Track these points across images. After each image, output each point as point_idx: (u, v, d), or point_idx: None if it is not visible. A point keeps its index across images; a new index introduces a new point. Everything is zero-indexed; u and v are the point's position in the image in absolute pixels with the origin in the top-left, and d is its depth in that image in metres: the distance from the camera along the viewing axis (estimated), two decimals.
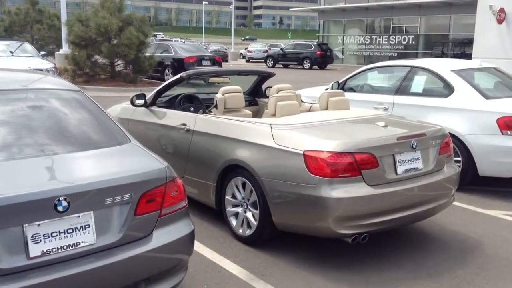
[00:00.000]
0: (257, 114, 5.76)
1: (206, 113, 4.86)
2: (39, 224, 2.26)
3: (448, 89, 5.79)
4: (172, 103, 5.37)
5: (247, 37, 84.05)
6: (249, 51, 40.46)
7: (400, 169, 3.69)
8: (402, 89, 6.27)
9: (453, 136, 5.06)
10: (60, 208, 2.28)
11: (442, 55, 26.38)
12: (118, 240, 2.47)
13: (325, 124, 4.00)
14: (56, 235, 2.30)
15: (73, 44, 15.33)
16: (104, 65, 15.82)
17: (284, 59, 31.20)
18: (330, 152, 3.44)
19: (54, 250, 2.29)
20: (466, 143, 5.40)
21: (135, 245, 2.53)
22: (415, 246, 4.07)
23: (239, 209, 4.07)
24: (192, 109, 5.26)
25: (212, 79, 5.75)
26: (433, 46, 28.30)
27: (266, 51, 36.97)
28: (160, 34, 61.07)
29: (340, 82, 6.97)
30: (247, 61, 39.51)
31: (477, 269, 3.67)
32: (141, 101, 5.12)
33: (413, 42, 30.25)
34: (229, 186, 4.11)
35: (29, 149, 2.62)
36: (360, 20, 33.23)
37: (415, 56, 28.86)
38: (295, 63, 30.42)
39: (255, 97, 6.12)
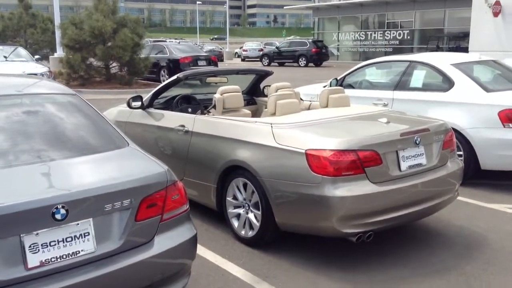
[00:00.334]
0: (255, 114, 5.69)
1: (205, 114, 4.80)
2: (37, 234, 2.19)
3: (448, 83, 5.73)
4: (169, 105, 5.30)
5: (215, 36, 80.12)
6: (244, 50, 40.37)
7: (404, 165, 3.63)
8: (401, 84, 6.21)
9: (454, 130, 4.98)
10: (58, 216, 2.21)
11: (437, 49, 26.39)
12: (118, 247, 2.40)
13: (326, 122, 3.94)
14: (55, 244, 2.23)
15: (67, 47, 15.22)
16: (99, 68, 15.73)
17: (280, 57, 31.13)
18: (332, 150, 3.38)
19: (53, 259, 2.22)
20: (468, 137, 5.34)
21: (136, 251, 2.46)
22: (420, 242, 4.02)
23: (241, 210, 4.01)
24: (190, 110, 5.19)
25: (209, 79, 5.68)
26: (428, 41, 28.31)
27: (261, 50, 36.88)
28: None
29: (338, 78, 6.91)
30: (243, 60, 39.42)
31: (484, 264, 3.61)
32: (138, 103, 5.04)
33: (408, 37, 30.23)
34: (230, 187, 4.04)
35: (25, 155, 2.55)
36: (355, 17, 33.19)
37: (410, 51, 28.84)
38: (291, 61, 30.35)
39: (253, 96, 6.05)
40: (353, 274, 3.48)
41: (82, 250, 2.29)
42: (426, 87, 6.01)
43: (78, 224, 2.29)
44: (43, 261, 2.19)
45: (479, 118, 5.31)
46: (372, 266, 3.60)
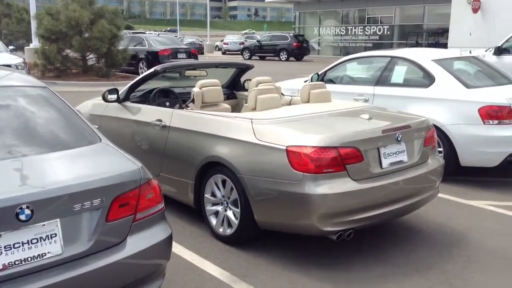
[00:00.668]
0: (236, 108, 5.58)
1: (183, 108, 4.66)
2: (0, 235, 2.05)
3: (429, 79, 5.71)
4: (146, 98, 5.15)
5: (168, 28, 72.89)
6: (225, 43, 40.09)
7: (385, 162, 3.57)
8: (382, 79, 6.17)
9: (434, 126, 4.97)
10: (22, 217, 2.07)
11: (417, 45, 26.56)
12: (88, 248, 2.28)
13: (307, 118, 3.85)
14: (19, 247, 2.10)
15: (43, 38, 14.84)
16: (76, 59, 15.38)
17: (261, 51, 30.98)
18: (313, 147, 3.29)
19: (17, 262, 2.09)
20: (448, 133, 5.33)
21: (107, 253, 2.34)
22: (401, 240, 3.98)
23: (219, 208, 3.90)
24: (168, 104, 5.05)
25: (188, 72, 5.54)
26: (407, 36, 28.47)
27: (243, 43, 36.66)
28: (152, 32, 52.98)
29: (319, 73, 6.83)
30: (223, 53, 39.14)
31: (464, 262, 3.59)
32: (114, 96, 4.88)
33: (388, 33, 30.39)
34: (208, 184, 3.93)
35: None
36: (336, 11, 33.20)
37: (390, 46, 28.99)
38: (272, 55, 30.23)
39: (234, 91, 5.93)
40: (333, 272, 3.42)
41: (48, 253, 2.16)
42: (407, 83, 5.98)
43: (44, 225, 2.15)
44: (6, 264, 2.06)
45: (460, 114, 5.30)
46: (353, 264, 3.54)
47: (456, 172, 5.44)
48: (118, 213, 2.38)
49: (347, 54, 9.95)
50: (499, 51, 10.09)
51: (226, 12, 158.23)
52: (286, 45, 29.53)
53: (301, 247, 3.80)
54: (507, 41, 10.89)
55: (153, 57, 16.93)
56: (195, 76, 5.40)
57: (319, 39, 34.11)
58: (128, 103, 4.95)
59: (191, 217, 4.34)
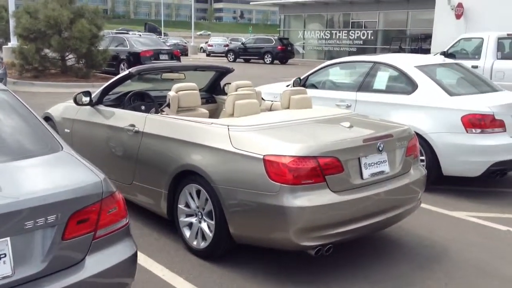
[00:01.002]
0: (215, 113, 5.40)
1: (158, 113, 4.47)
2: None
3: (411, 86, 5.61)
4: (121, 101, 4.94)
5: (121, 28, 61.32)
6: (209, 45, 39.86)
7: (366, 173, 3.43)
8: (364, 85, 6.05)
9: (416, 134, 4.87)
10: None
11: (400, 50, 26.70)
12: (42, 270, 2.08)
13: (286, 125, 3.69)
14: None
15: (21, 37, 14.45)
16: (55, 60, 15.01)
17: (245, 54, 30.84)
18: (292, 156, 3.13)
19: None
20: (430, 142, 5.23)
21: (63, 274, 2.14)
22: (380, 253, 3.84)
23: (193, 219, 3.72)
24: (143, 107, 4.85)
25: (165, 75, 5.34)
26: (391, 41, 28.62)
27: (227, 45, 36.47)
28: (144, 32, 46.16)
29: (301, 78, 6.70)
30: (208, 55, 38.90)
31: (446, 278, 3.47)
32: (86, 99, 4.67)
33: (372, 37, 30.51)
34: (182, 193, 3.75)
35: None
36: (320, 15, 33.24)
37: (374, 51, 29.11)
38: (256, 57, 30.12)
39: (213, 95, 5.75)
40: None
41: None
42: (389, 89, 5.87)
43: None
44: None
45: (442, 122, 5.20)
46: (331, 279, 3.39)
47: (439, 181, 5.34)
48: (76, 230, 2.18)
49: (331, 58, 9.86)
50: (445, 56, 10.52)
51: (211, 13, 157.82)
52: (271, 48, 29.45)
53: (277, 262, 3.64)
54: (452, 46, 11.30)
55: (134, 58, 16.64)
56: (172, 79, 5.21)
57: (303, 43, 34.10)
58: (101, 107, 4.74)
59: (165, 229, 4.14)
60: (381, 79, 6.02)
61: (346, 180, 3.30)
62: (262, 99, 5.11)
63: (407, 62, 5.94)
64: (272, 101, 5.24)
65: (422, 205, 4.47)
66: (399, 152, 3.72)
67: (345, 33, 31.70)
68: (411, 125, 4.57)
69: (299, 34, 34.35)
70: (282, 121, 3.79)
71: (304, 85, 6.54)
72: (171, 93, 4.45)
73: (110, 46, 16.76)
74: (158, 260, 3.60)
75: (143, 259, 3.59)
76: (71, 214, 2.15)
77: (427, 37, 22.57)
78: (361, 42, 30.82)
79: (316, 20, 33.64)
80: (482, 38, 10.71)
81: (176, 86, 4.53)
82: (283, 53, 29.38)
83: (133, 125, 4.21)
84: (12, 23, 15.43)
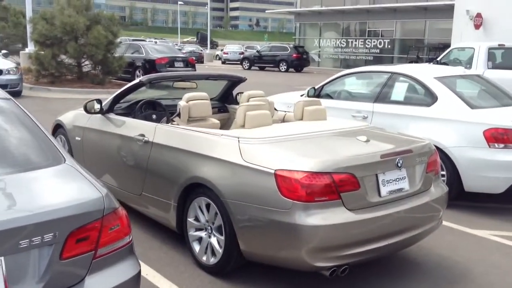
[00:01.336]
0: (227, 123, 5.28)
1: (169, 122, 4.35)
2: None
3: (431, 98, 5.41)
4: (132, 110, 4.84)
5: (142, 37, 58.19)
6: (225, 53, 39.90)
7: (384, 190, 3.25)
8: (382, 96, 5.87)
9: (436, 148, 4.68)
10: None
11: (418, 59, 26.38)
12: None
13: (299, 138, 3.54)
14: None
15: (38, 43, 14.56)
16: (71, 66, 15.08)
17: (260, 62, 30.76)
18: (305, 172, 2.98)
19: None
20: (451, 156, 5.02)
21: None
22: (399, 274, 3.65)
23: (203, 234, 3.58)
24: (154, 117, 4.74)
25: (177, 84, 5.24)
26: (408, 51, 28.32)
27: (242, 53, 36.48)
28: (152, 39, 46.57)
29: (316, 87, 6.55)
30: (223, 62, 38.95)
31: None
32: (97, 107, 4.58)
33: (389, 46, 30.25)
34: (192, 207, 3.61)
35: None
36: (336, 24, 33.10)
37: (391, 60, 28.84)
38: (272, 65, 30.03)
39: (226, 104, 5.63)
40: None
41: None
42: (407, 101, 5.68)
43: None
44: None
45: (463, 136, 4.99)
46: None
47: (460, 197, 5.12)
48: (75, 249, 2.06)
49: (347, 66, 9.72)
50: (438, 64, 10.72)
51: (227, 21, 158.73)
52: (286, 56, 29.34)
53: (290, 281, 3.47)
54: (445, 55, 11.32)
55: (150, 65, 16.66)
56: (184, 88, 5.10)
57: (319, 51, 33.96)
58: (111, 115, 4.65)
59: (175, 241, 4.00)
60: (399, 90, 5.84)
61: (363, 197, 3.13)
62: (275, 109, 4.96)
63: (426, 73, 5.75)
64: (285, 111, 5.09)
65: (444, 222, 4.27)
66: (419, 168, 3.54)
67: (361, 41, 31.49)
68: (430, 138, 4.40)
69: (314, 42, 34.23)
70: (295, 133, 3.64)
71: (319, 95, 6.39)
72: (182, 103, 4.33)
73: (126, 53, 16.81)
74: (167, 275, 3.47)
75: (151, 274, 3.46)
76: (70, 232, 2.03)
77: (446, 47, 22.25)
78: (377, 50, 30.57)
79: (332, 28, 33.49)
80: (474, 48, 10.92)
81: (187, 95, 4.42)
82: (298, 61, 29.24)
83: (143, 135, 4.10)
84: (29, 29, 15.59)
